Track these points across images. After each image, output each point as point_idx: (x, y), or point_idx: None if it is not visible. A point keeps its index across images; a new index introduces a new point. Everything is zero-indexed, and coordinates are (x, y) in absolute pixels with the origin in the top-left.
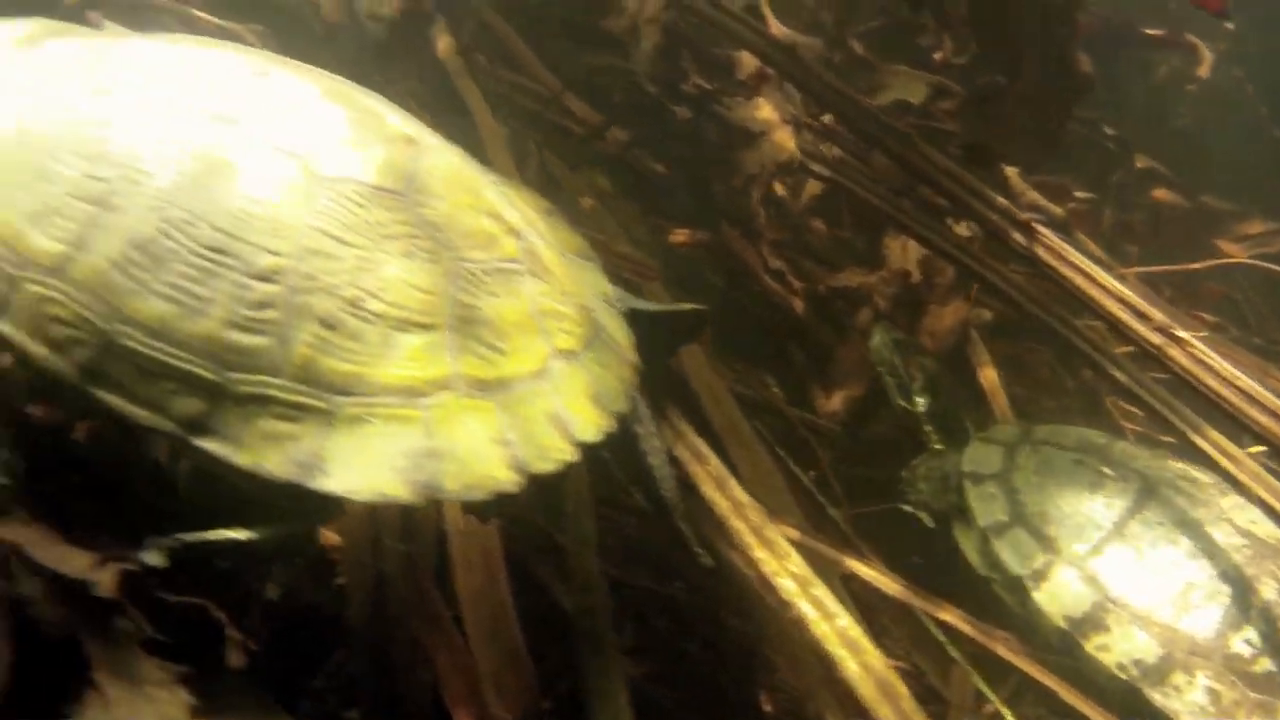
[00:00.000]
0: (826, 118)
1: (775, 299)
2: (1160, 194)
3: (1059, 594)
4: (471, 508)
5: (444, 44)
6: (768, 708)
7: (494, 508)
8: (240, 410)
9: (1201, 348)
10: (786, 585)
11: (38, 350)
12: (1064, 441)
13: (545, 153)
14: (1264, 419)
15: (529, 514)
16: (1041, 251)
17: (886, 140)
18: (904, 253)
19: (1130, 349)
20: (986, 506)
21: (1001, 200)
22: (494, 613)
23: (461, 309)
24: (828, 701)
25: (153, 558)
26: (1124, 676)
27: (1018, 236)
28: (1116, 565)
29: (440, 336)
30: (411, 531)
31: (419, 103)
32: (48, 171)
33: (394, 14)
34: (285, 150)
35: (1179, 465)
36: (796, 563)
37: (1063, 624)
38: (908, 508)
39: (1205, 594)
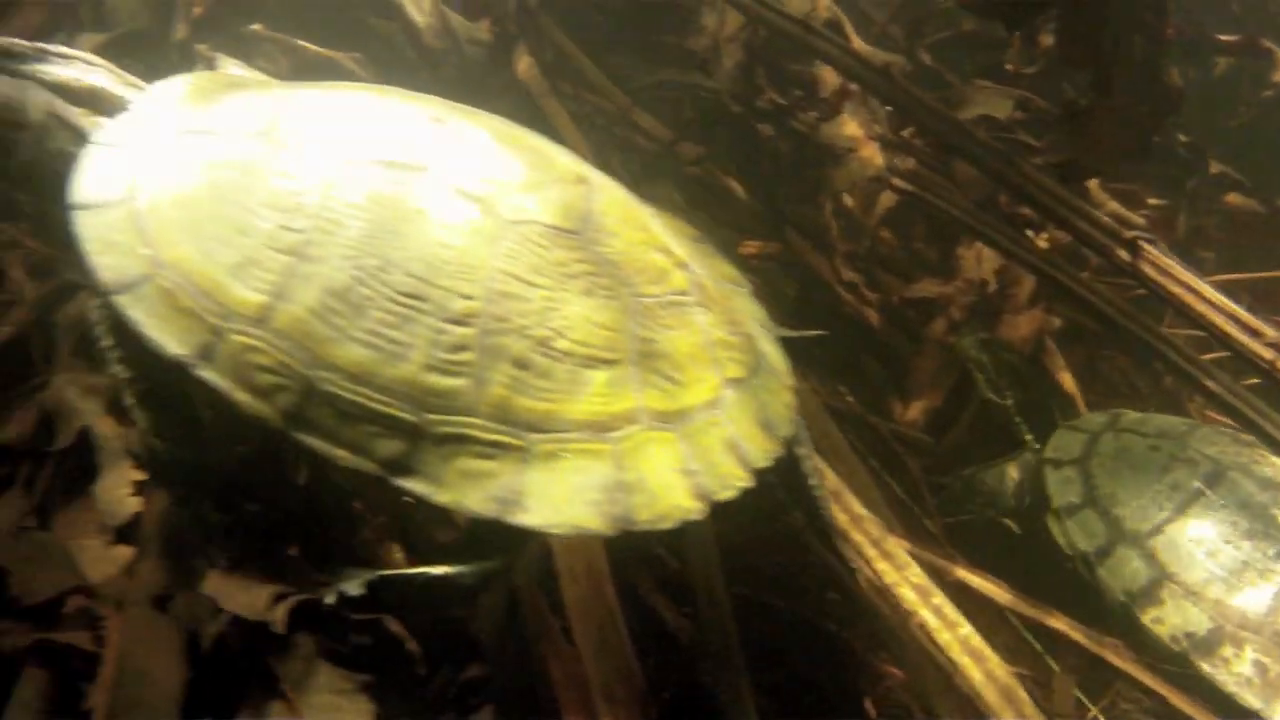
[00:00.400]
0: (905, 131)
1: (849, 310)
2: (1234, 199)
3: (1119, 569)
4: None
5: (524, 64)
6: (876, 715)
7: None
8: (439, 450)
9: None
10: (908, 595)
11: (242, 397)
12: (1145, 429)
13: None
14: None
15: None
16: (1147, 268)
17: (980, 156)
18: (979, 262)
19: (1221, 356)
20: (1062, 490)
21: (1105, 219)
22: (601, 623)
23: (641, 343)
24: (946, 709)
25: (352, 588)
26: (1175, 648)
27: (1122, 253)
28: (1175, 544)
29: (624, 371)
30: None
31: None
32: (244, 225)
33: (489, 38)
34: (469, 195)
35: (1258, 451)
36: (916, 573)
37: (1122, 597)
38: (1005, 520)
39: (1260, 572)
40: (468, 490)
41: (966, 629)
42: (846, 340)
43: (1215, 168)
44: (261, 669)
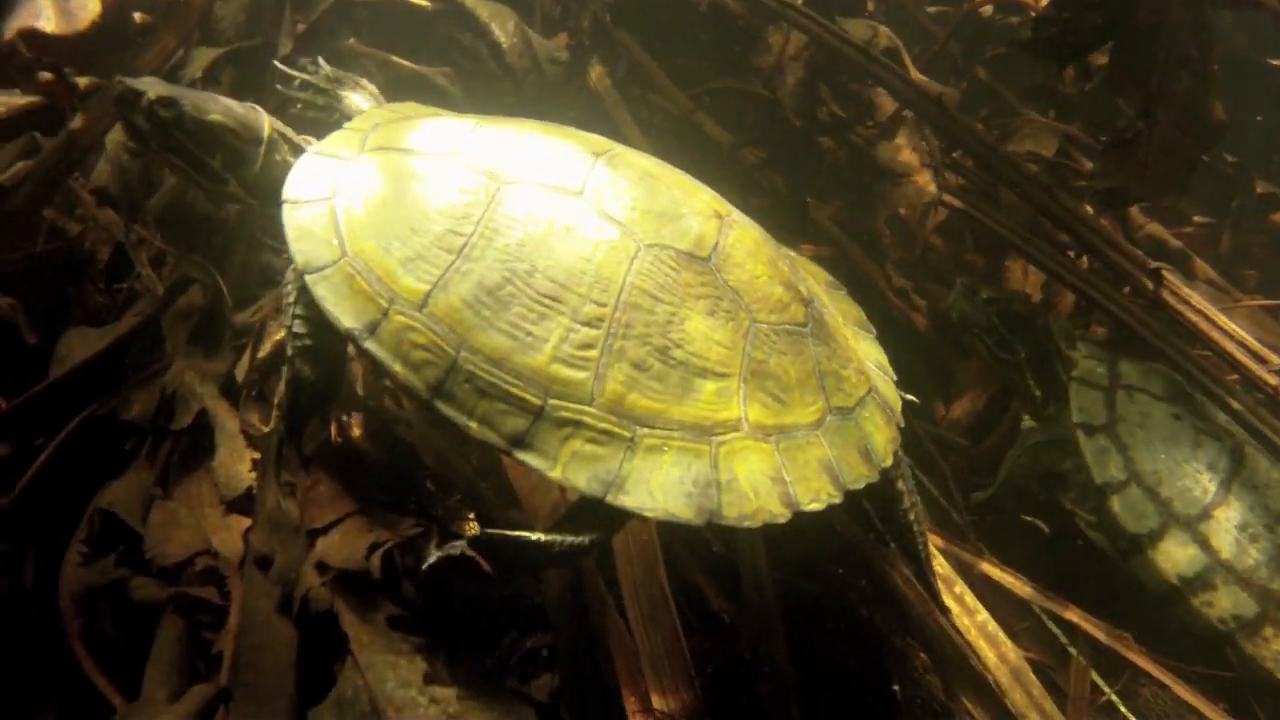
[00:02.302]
0: (956, 153)
1: (897, 315)
2: (1279, 218)
3: (1174, 554)
4: None
5: (595, 74)
6: (900, 693)
7: None
8: (557, 432)
9: None
10: (932, 584)
11: (397, 368)
12: (1154, 389)
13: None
14: None
15: None
16: (1168, 297)
17: (1022, 184)
18: (1025, 274)
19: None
20: (1102, 463)
21: (1136, 251)
22: (653, 602)
23: (753, 363)
24: (964, 687)
25: (455, 549)
26: (1222, 629)
27: (1146, 281)
28: (1224, 530)
29: (732, 384)
30: None
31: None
32: (420, 226)
33: (566, 56)
34: (613, 219)
35: None
36: (942, 564)
37: (1175, 581)
38: (1027, 518)
39: None
40: (577, 469)
41: (984, 616)
42: (893, 344)
43: (1262, 187)
44: (336, 629)
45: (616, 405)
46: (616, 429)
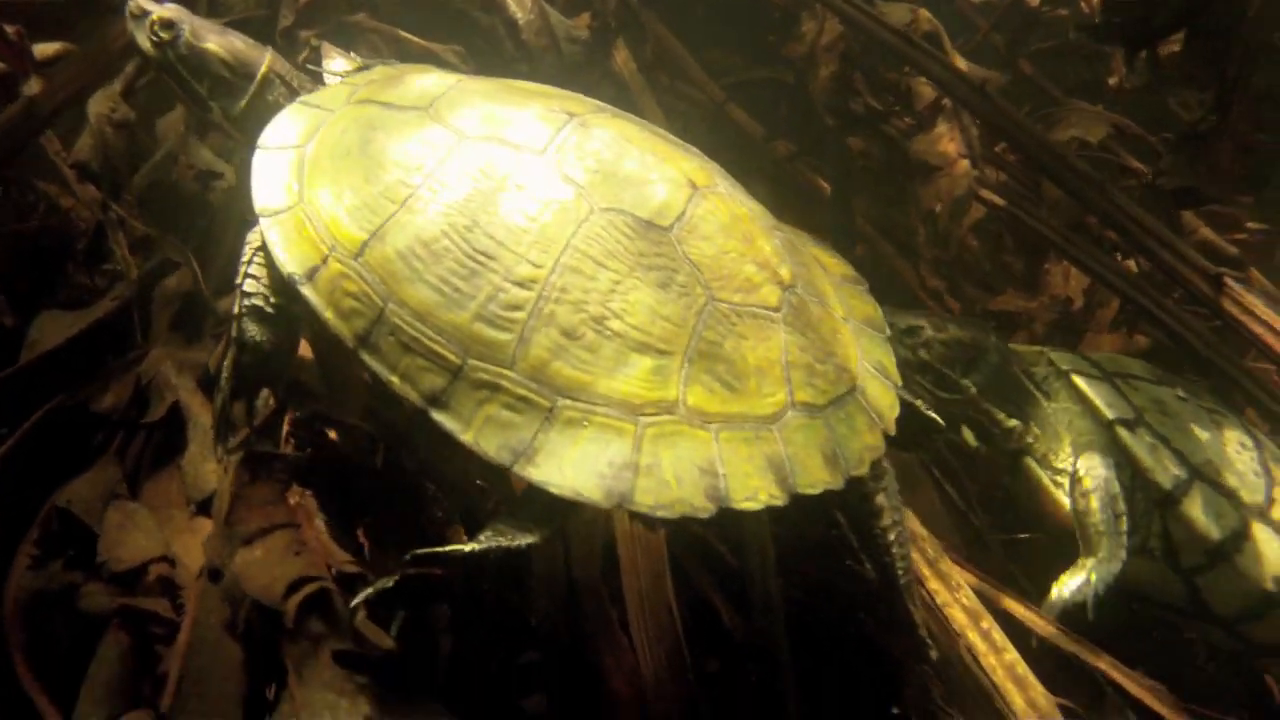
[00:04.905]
0: (999, 147)
1: None
2: None
3: (1265, 553)
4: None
5: (621, 57)
6: None
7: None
8: (474, 394)
9: None
10: (958, 617)
11: (328, 315)
12: (1138, 371)
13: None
14: None
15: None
16: (1229, 305)
17: (1069, 179)
18: (1066, 279)
19: None
20: (1159, 461)
21: (1195, 254)
22: (658, 617)
23: (703, 343)
24: None
25: (387, 582)
26: None
27: (1205, 287)
28: None
29: (674, 363)
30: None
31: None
32: (373, 176)
33: (587, 36)
34: (570, 179)
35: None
36: (968, 596)
37: (1272, 586)
38: None
39: None
40: (490, 435)
41: (1013, 655)
42: None
43: None
44: (277, 658)
45: (538, 372)
46: (535, 397)
